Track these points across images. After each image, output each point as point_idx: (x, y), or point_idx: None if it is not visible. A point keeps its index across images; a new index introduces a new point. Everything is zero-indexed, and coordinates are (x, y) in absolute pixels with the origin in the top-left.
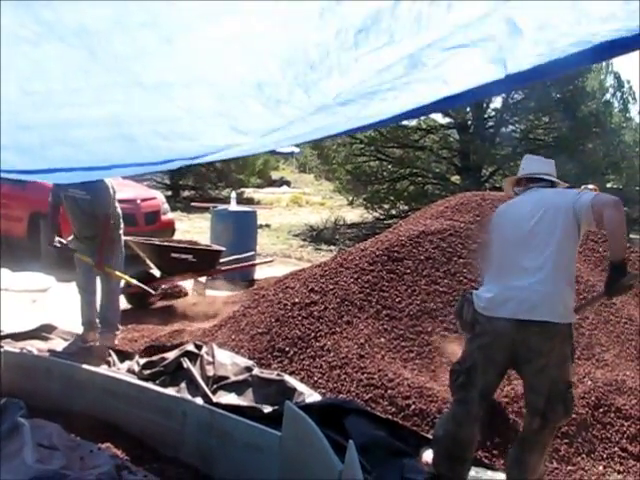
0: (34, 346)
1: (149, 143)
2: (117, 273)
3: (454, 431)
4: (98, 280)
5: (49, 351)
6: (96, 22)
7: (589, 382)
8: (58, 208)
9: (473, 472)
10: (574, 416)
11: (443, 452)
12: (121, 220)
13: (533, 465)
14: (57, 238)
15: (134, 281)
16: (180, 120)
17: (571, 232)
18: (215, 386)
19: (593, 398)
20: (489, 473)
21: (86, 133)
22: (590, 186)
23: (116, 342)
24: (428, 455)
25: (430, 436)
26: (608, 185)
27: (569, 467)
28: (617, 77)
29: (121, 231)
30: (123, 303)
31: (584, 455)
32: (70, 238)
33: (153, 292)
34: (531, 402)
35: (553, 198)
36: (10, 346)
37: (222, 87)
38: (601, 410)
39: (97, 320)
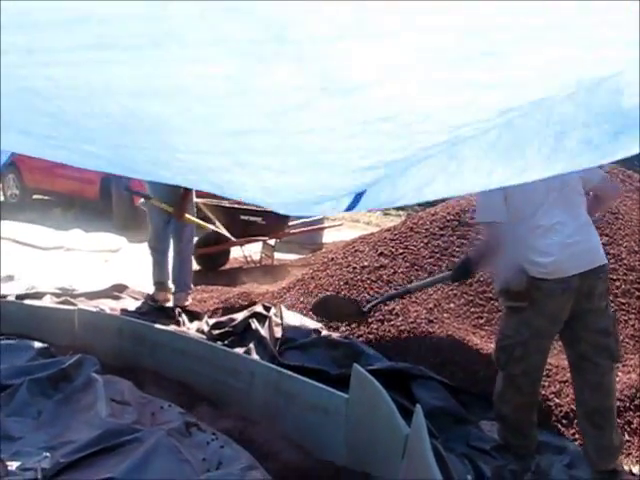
0: (106, 305)
1: None
2: (194, 219)
3: (523, 402)
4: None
5: (121, 310)
6: None
7: None
8: None
9: (544, 438)
10: None
11: (514, 426)
12: None
13: (613, 408)
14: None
15: (211, 227)
16: None
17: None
18: (283, 347)
19: None
20: (556, 440)
21: None
22: None
23: (188, 302)
24: (486, 425)
25: None
26: None
27: None
28: None
29: (193, 196)
30: (193, 265)
31: None
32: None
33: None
34: (601, 345)
35: None
36: (84, 305)
37: None
38: None
39: (169, 280)
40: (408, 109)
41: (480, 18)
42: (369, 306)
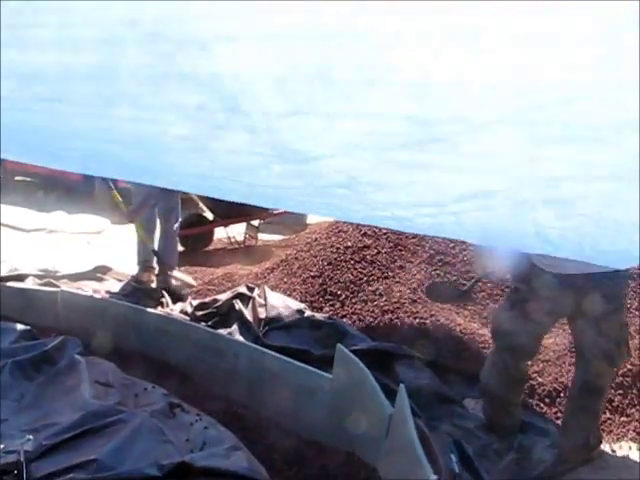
0: (89, 287)
1: None
2: (141, 231)
3: (507, 378)
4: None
5: (104, 292)
6: None
7: None
8: None
9: (527, 418)
10: (629, 367)
11: (498, 403)
12: None
13: (598, 410)
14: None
15: (151, 244)
16: None
17: None
18: (267, 328)
19: None
20: (539, 420)
21: None
22: None
23: (172, 283)
24: (470, 403)
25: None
26: None
27: (623, 418)
28: None
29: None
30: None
31: (639, 407)
32: None
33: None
34: (598, 347)
35: None
36: (67, 286)
37: None
38: None
39: (154, 261)
40: (363, 181)
41: (431, 108)
42: (467, 287)
